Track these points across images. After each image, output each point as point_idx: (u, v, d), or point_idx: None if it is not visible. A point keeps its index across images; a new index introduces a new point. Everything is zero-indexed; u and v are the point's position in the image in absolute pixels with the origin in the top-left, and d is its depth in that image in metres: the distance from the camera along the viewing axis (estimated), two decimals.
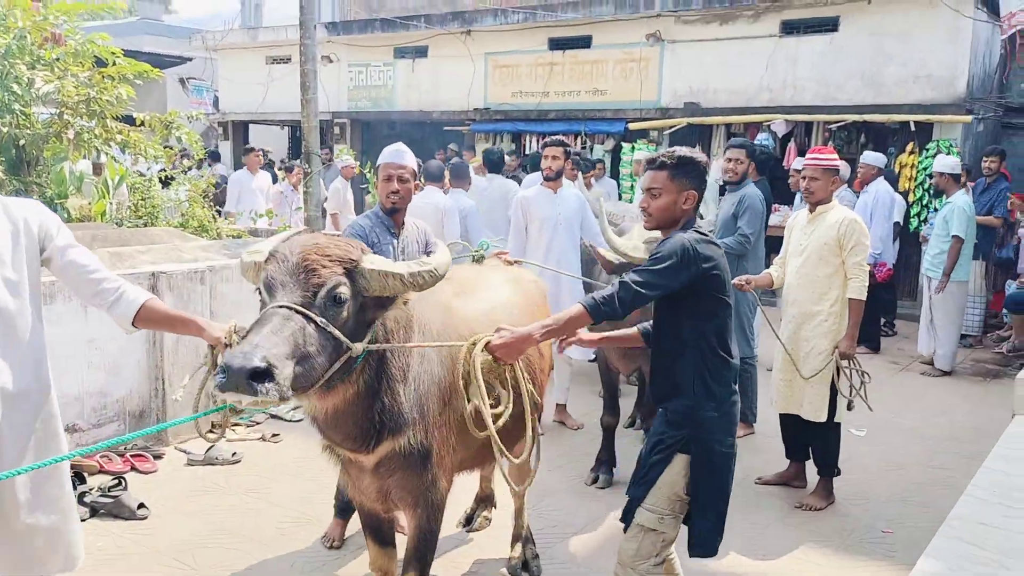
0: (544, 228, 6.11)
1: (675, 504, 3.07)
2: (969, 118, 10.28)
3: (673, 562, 3.26)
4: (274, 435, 5.83)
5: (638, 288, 2.91)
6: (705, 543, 3.11)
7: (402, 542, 3.16)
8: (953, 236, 7.79)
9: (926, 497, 5.11)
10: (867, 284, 4.75)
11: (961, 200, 7.95)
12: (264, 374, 2.16)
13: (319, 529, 4.42)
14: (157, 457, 5.38)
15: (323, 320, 2.37)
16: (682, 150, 3.14)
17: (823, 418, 4.82)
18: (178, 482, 5.08)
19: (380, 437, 2.73)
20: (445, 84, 14.92)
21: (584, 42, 13.37)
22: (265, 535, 4.41)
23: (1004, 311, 9.23)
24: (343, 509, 4.34)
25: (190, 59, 17.85)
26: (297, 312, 2.34)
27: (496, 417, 2.74)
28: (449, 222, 7.23)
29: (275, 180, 12.06)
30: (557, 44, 13.62)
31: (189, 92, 18.50)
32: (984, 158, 9.23)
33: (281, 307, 2.35)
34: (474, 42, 14.32)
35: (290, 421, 6.10)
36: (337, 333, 2.41)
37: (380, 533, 3.19)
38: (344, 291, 2.44)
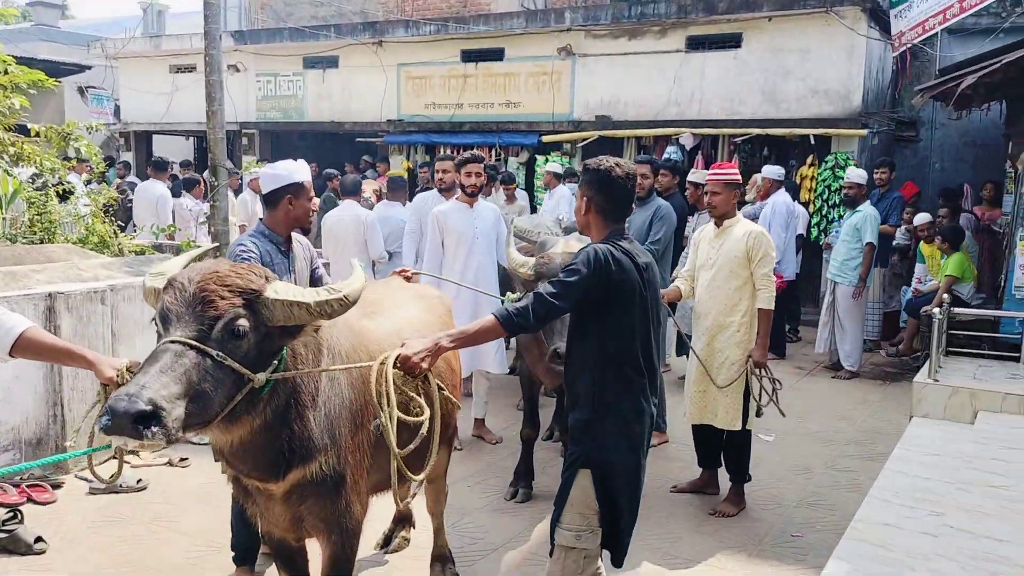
0: (461, 243, 6.10)
1: (589, 519, 3.06)
2: (865, 132, 10.76)
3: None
4: (182, 459, 5.62)
5: (551, 299, 2.92)
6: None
7: (316, 570, 3.08)
8: (867, 243, 8.27)
9: (833, 500, 5.29)
10: (775, 295, 4.91)
11: (870, 209, 8.44)
12: (150, 417, 2.08)
13: (230, 558, 4.27)
14: (56, 487, 5.12)
15: (220, 354, 2.28)
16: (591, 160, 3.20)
17: (738, 426, 4.95)
18: (79, 513, 4.84)
19: (290, 465, 2.64)
20: (357, 95, 14.76)
21: (497, 55, 13.44)
22: (173, 566, 4.24)
23: (902, 316, 9.68)
24: (244, 556, 4.12)
25: (89, 67, 17.13)
26: (191, 347, 2.25)
27: (417, 427, 2.68)
28: (372, 236, 7.13)
29: (177, 194, 11.66)
30: (470, 56, 13.64)
31: (88, 101, 17.75)
32: (876, 169, 9.68)
33: (174, 342, 2.25)
34: (386, 53, 14.22)
35: (198, 444, 5.89)
36: (236, 366, 2.32)
37: (292, 564, 3.10)
38: (244, 323, 2.35)
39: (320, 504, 2.77)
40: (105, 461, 3.61)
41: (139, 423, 2.07)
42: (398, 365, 2.72)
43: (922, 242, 9.17)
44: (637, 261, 3.06)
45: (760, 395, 4.94)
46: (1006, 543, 3.72)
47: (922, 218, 9.06)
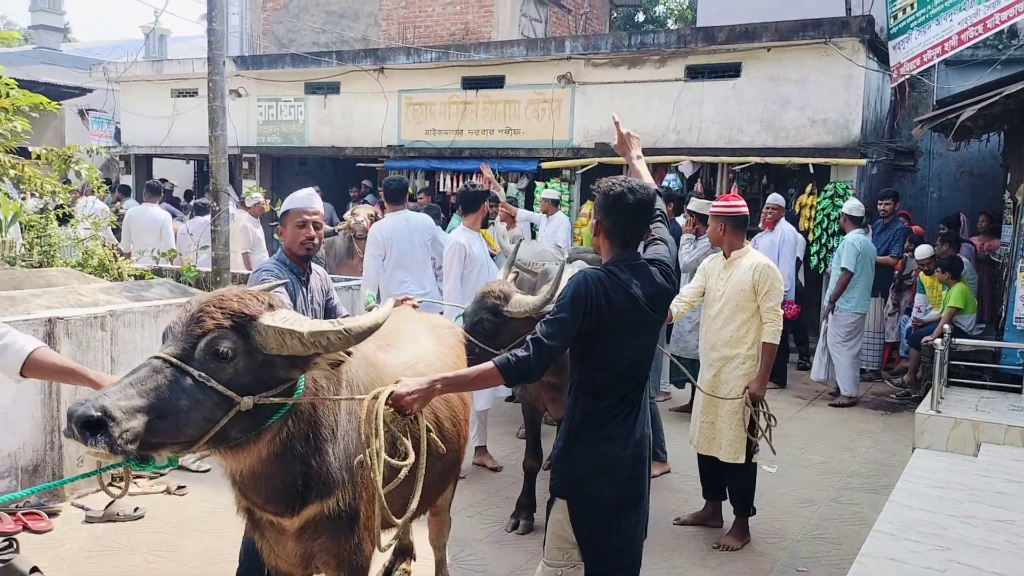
0: (481, 272, 6.15)
1: (568, 552, 2.97)
2: (864, 161, 10.81)
3: None
4: (180, 487, 5.56)
5: (548, 340, 2.81)
6: None
7: None
8: (842, 268, 8.42)
9: (838, 533, 5.24)
10: (781, 329, 4.89)
11: (851, 237, 8.55)
12: (98, 424, 2.08)
13: None
14: (52, 515, 5.06)
15: (202, 374, 2.27)
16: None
17: (741, 459, 4.91)
18: (76, 542, 4.78)
19: (306, 500, 2.60)
20: (358, 121, 14.82)
21: (497, 82, 13.52)
22: None
23: (904, 346, 9.68)
24: None
25: (90, 90, 17.20)
26: (170, 364, 2.26)
27: (397, 470, 2.60)
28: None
29: (175, 216, 11.66)
30: (470, 83, 13.72)
31: (89, 124, 17.80)
32: (879, 200, 9.72)
33: (155, 358, 2.27)
34: (387, 80, 14.30)
35: (196, 472, 5.84)
36: (218, 387, 2.29)
37: None
38: (227, 345, 2.32)
39: (333, 541, 2.73)
40: (96, 491, 3.53)
41: (87, 429, 2.08)
42: (390, 402, 2.63)
43: (922, 272, 9.19)
44: (632, 290, 2.92)
45: (755, 430, 4.90)
46: None
47: (924, 251, 9.07)
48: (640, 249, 3.16)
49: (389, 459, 2.55)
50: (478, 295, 4.67)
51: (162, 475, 5.75)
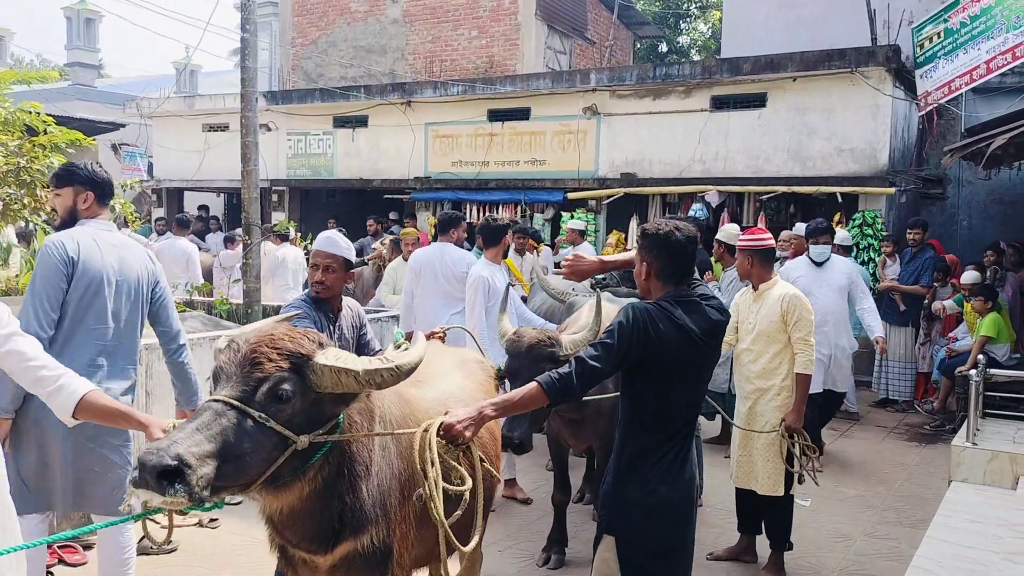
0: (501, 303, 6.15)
1: None
2: (892, 190, 10.75)
3: None
4: (212, 520, 5.59)
5: (592, 361, 2.82)
6: None
7: None
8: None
9: (875, 569, 5.15)
10: (813, 359, 4.85)
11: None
12: (175, 473, 2.06)
13: None
14: (87, 548, 5.09)
15: (262, 415, 2.28)
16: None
17: (780, 492, 4.85)
18: None
19: (339, 537, 2.60)
20: (385, 153, 15.01)
21: (523, 114, 13.65)
22: None
23: (936, 375, 9.52)
24: None
25: (124, 125, 17.58)
26: (232, 407, 2.25)
27: (458, 497, 2.62)
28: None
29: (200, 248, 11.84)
30: (496, 116, 13.86)
31: (122, 159, 18.16)
32: (908, 230, 9.64)
33: (217, 401, 2.27)
34: (414, 112, 14.49)
35: (228, 504, 5.86)
36: (279, 428, 2.31)
37: None
38: (288, 387, 2.34)
39: None
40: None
41: (163, 478, 2.06)
42: (441, 433, 2.66)
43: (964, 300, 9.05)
44: (684, 323, 2.91)
45: (796, 462, 4.85)
46: None
47: (970, 277, 8.89)
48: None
49: (449, 487, 2.57)
50: (521, 348, 4.25)
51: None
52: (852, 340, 7.65)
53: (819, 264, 7.38)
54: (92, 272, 3.73)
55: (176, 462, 2.06)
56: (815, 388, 5.87)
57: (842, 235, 9.02)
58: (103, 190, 3.94)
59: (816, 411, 6.38)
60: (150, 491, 2.07)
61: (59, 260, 3.63)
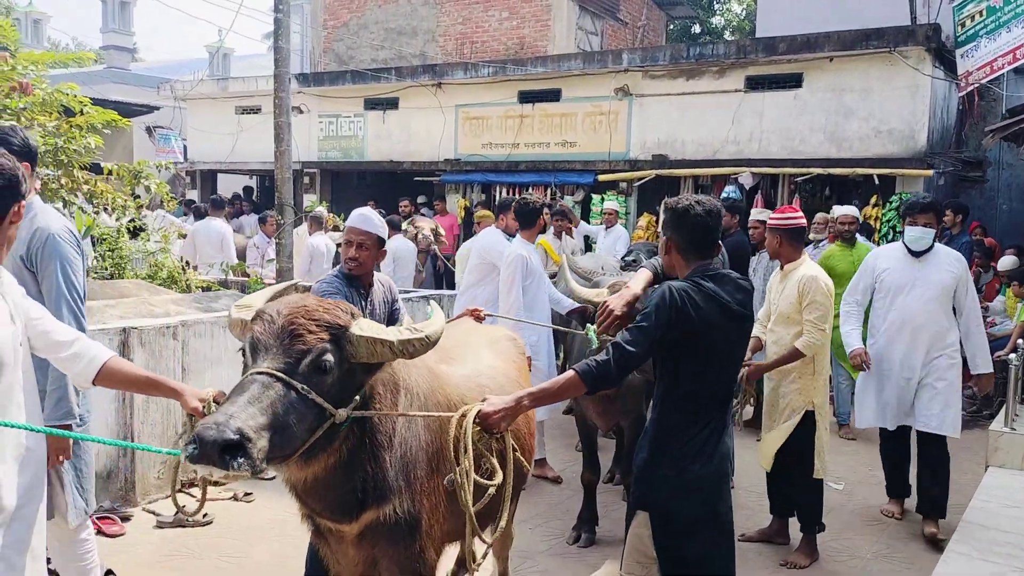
0: (540, 283, 6.15)
1: (648, 568, 2.95)
2: (930, 172, 10.55)
3: None
4: (247, 494, 5.67)
5: (629, 347, 2.78)
6: None
7: None
8: None
9: (909, 552, 5.09)
10: (817, 343, 4.73)
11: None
12: (237, 447, 2.07)
13: None
14: (125, 519, 5.19)
15: (305, 388, 2.29)
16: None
17: (768, 467, 4.98)
18: (147, 546, 4.90)
19: (363, 506, 2.61)
20: (415, 135, 15.02)
21: (553, 95, 13.56)
22: None
23: None
24: None
25: (158, 108, 17.77)
26: (278, 379, 2.26)
27: (486, 489, 2.60)
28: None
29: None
30: (527, 97, 13.80)
31: (156, 141, 18.37)
32: (945, 212, 9.44)
33: (261, 373, 2.26)
34: (445, 95, 14.46)
35: (263, 479, 5.94)
36: (320, 401, 2.32)
37: None
38: (329, 359, 2.36)
39: (394, 548, 2.73)
40: (167, 496, 3.61)
41: (226, 453, 2.06)
42: (477, 421, 2.64)
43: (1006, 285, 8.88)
44: (721, 299, 2.90)
45: (740, 403, 5.01)
46: None
47: (1007, 262, 8.71)
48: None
49: (479, 479, 2.56)
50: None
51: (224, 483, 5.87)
52: (957, 361, 5.41)
53: (917, 255, 5.38)
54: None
55: (238, 436, 2.07)
56: (886, 424, 5.56)
57: (845, 209, 8.03)
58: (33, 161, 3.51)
59: (895, 451, 5.74)
60: (211, 466, 2.07)
61: (77, 247, 3.51)
